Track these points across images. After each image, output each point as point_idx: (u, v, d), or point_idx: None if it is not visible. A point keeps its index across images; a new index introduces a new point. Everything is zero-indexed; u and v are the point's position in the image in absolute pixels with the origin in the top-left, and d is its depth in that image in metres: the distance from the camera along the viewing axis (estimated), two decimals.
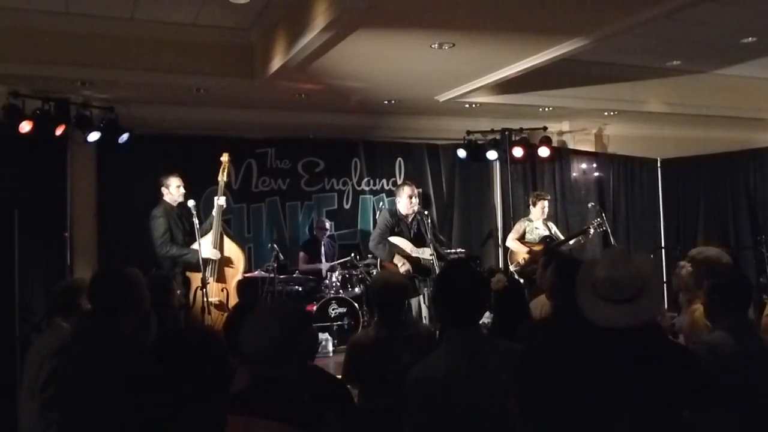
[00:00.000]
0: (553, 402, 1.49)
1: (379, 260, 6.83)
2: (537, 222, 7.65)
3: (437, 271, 6.19)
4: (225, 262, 6.33)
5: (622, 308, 2.15)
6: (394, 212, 6.85)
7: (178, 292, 5.35)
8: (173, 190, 6.25)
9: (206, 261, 5.98)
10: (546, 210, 7.63)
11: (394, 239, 6.68)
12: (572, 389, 1.54)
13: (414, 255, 6.63)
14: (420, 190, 8.15)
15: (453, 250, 7.32)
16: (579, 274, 2.32)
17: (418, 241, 6.68)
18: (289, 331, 2.22)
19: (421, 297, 6.69)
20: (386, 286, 3.61)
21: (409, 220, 6.76)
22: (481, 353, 2.39)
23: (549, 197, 7.77)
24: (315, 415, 2.12)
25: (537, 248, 7.45)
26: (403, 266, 6.54)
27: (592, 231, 7.49)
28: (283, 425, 2.07)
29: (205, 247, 6.04)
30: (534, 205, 7.68)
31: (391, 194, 8.45)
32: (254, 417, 2.10)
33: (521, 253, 7.57)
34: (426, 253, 6.52)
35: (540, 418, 1.50)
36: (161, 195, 6.29)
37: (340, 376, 3.66)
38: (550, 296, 3.44)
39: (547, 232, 7.58)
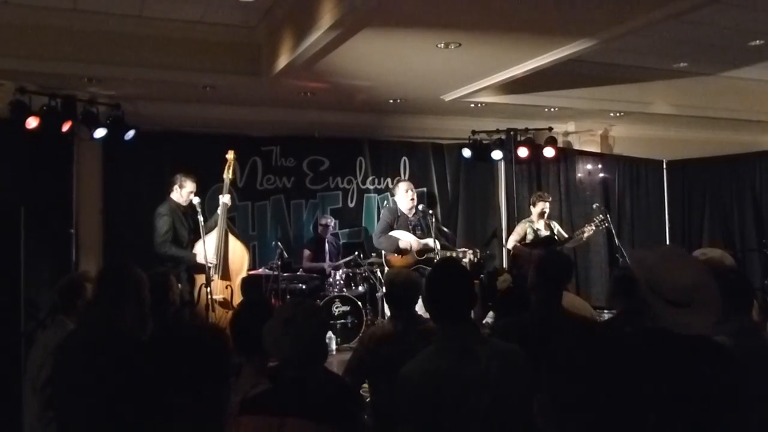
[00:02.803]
0: (584, 403, 1.49)
1: (384, 255, 6.84)
2: (538, 223, 7.62)
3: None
4: (230, 259, 6.33)
5: (690, 312, 2.15)
6: (394, 209, 6.91)
7: (179, 286, 5.36)
8: (184, 193, 6.19)
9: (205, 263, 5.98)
10: (546, 211, 7.58)
11: (397, 233, 6.71)
12: (606, 391, 1.55)
13: (417, 245, 6.67)
14: (424, 189, 8.19)
15: (463, 249, 7.26)
16: (642, 278, 2.30)
17: (420, 238, 6.74)
18: (320, 333, 2.29)
19: None
20: (405, 280, 3.64)
21: (410, 216, 6.80)
22: (473, 351, 2.41)
23: (550, 198, 7.70)
24: (347, 413, 2.15)
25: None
26: (413, 246, 6.53)
27: (587, 230, 7.40)
28: (319, 424, 2.09)
29: (210, 247, 6.03)
30: (534, 205, 7.65)
31: None
32: (287, 416, 2.12)
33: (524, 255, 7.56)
34: (430, 243, 6.56)
35: (569, 419, 1.50)
36: (170, 191, 6.28)
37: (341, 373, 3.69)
38: (531, 292, 3.46)
39: (547, 233, 7.54)
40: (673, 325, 2.14)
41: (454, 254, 6.73)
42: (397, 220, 6.81)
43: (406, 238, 6.71)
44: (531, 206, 7.73)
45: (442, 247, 6.57)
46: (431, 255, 6.53)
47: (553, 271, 3.32)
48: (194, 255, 5.96)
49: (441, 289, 2.55)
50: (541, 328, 2.93)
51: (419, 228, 6.80)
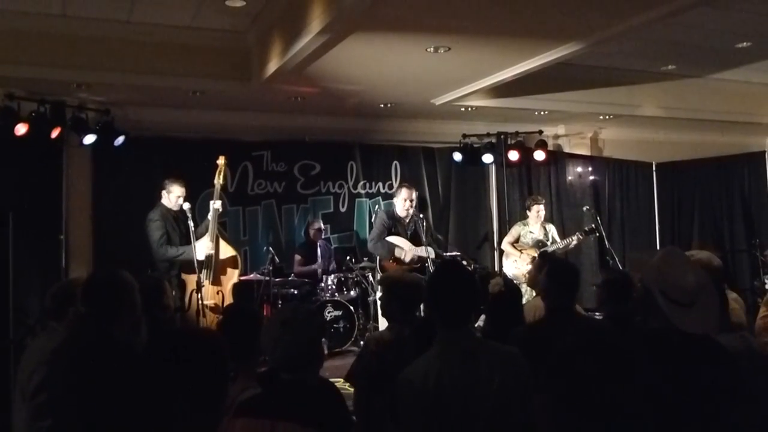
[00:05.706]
0: (584, 401, 1.50)
1: (378, 260, 6.82)
2: (533, 226, 7.65)
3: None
4: (221, 265, 6.30)
5: (693, 311, 2.21)
6: (391, 214, 6.88)
7: (174, 293, 5.34)
8: (172, 198, 6.13)
9: (201, 262, 5.96)
10: (541, 214, 7.62)
11: (392, 238, 6.70)
12: (609, 390, 1.56)
13: (411, 254, 6.65)
14: (417, 193, 8.19)
15: (449, 253, 7.33)
16: (648, 279, 2.33)
17: (415, 242, 6.71)
18: (318, 336, 2.32)
19: None
20: (412, 280, 3.56)
21: (406, 221, 6.78)
22: (474, 355, 2.39)
23: (543, 201, 7.74)
24: (340, 420, 2.14)
25: (529, 251, 7.45)
26: (406, 256, 6.52)
27: (578, 237, 7.46)
28: (310, 429, 2.08)
29: (201, 250, 6.01)
30: (529, 209, 7.69)
31: (387, 197, 8.47)
32: (279, 420, 2.11)
33: (513, 255, 7.59)
34: (424, 252, 6.55)
35: (569, 418, 1.51)
36: (159, 197, 6.25)
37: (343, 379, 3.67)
38: (543, 298, 3.46)
39: (541, 236, 7.56)
40: (679, 323, 2.20)
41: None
42: (394, 225, 6.79)
43: (403, 246, 6.68)
44: (527, 210, 7.74)
45: (436, 255, 6.55)
46: (426, 263, 6.50)
47: (567, 277, 3.35)
48: (192, 249, 5.88)
49: (444, 291, 2.48)
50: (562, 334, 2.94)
51: (415, 233, 6.77)
